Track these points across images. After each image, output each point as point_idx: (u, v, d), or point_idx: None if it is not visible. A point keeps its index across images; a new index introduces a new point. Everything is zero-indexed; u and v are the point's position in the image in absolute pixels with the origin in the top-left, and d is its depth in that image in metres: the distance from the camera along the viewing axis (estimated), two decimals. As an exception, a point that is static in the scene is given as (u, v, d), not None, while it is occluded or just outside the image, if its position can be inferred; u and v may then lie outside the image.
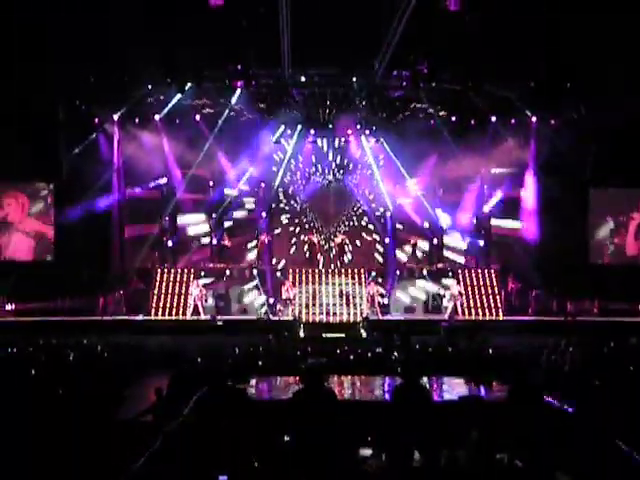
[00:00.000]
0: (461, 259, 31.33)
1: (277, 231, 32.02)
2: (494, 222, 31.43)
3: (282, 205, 32.31)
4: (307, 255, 30.95)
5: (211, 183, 31.38)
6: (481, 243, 31.42)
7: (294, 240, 31.85)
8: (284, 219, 32.25)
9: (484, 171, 31.16)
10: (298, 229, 32.05)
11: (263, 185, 31.71)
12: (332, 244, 31.46)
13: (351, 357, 17.98)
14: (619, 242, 30.57)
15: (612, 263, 29.92)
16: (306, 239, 31.23)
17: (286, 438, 7.76)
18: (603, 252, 30.46)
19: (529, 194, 30.03)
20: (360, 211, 32.34)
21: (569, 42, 21.80)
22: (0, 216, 29.53)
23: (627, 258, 30.44)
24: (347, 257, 31.12)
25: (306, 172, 32.20)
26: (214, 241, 31.03)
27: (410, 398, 8.33)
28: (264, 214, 31.47)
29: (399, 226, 31.86)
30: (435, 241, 31.55)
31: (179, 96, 26.81)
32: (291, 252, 31.70)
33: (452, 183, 31.58)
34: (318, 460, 7.24)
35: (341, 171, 32.14)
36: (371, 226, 32.31)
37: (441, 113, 29.43)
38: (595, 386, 9.19)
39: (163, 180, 30.57)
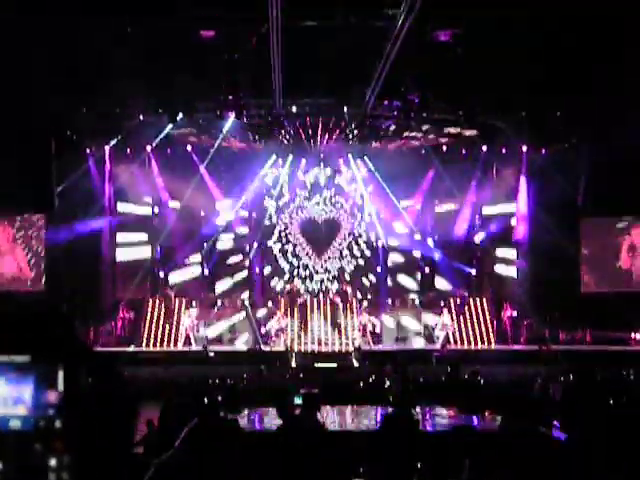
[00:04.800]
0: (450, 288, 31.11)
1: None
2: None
3: (274, 235, 32.22)
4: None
5: (202, 213, 31.39)
6: (473, 272, 31.41)
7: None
8: (276, 250, 32.20)
9: (475, 200, 31.19)
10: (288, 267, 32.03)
11: (255, 216, 31.75)
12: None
13: (343, 387, 17.97)
14: (611, 263, 30.42)
15: (604, 289, 29.67)
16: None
17: (276, 469, 7.72)
18: (595, 277, 30.29)
19: (520, 223, 30.06)
20: (352, 240, 32.29)
21: (560, 72, 21.90)
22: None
23: (622, 272, 30.32)
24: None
25: (297, 202, 32.20)
26: (205, 271, 31.00)
27: (398, 427, 8.33)
28: (255, 245, 31.51)
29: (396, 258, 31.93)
30: (427, 270, 31.53)
31: (170, 126, 26.85)
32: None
33: (443, 212, 31.64)
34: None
35: (333, 200, 32.20)
36: (362, 256, 32.22)
37: (432, 143, 29.57)
38: (586, 415, 9.16)
39: (155, 210, 30.59)
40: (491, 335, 28.73)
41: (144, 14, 19.71)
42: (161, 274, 30.64)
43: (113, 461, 3.67)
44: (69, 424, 3.26)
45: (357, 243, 32.26)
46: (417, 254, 31.71)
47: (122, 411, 3.82)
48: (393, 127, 28.11)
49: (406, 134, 28.80)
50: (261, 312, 29.29)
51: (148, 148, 28.95)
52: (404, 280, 31.66)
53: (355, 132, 28.48)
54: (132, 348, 26.82)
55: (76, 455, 3.26)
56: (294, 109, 26.36)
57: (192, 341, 27.24)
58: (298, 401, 8.37)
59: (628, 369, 18.73)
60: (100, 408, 3.62)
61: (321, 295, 30.75)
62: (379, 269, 31.89)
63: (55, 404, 3.25)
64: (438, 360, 24.49)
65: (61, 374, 3.27)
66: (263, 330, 28.23)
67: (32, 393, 3.27)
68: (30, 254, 29.26)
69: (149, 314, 28.70)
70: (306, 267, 31.82)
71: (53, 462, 3.21)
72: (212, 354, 25.59)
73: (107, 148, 28.60)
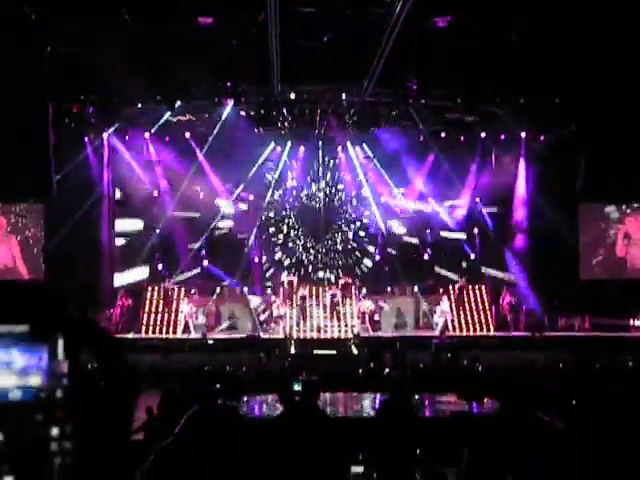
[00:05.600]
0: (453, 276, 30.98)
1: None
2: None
3: (272, 223, 32.20)
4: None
5: (201, 200, 31.20)
6: (472, 257, 31.32)
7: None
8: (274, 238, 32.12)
9: (474, 186, 31.09)
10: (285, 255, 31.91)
11: (253, 202, 31.63)
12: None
13: (342, 374, 17.97)
14: (608, 250, 30.37)
15: (602, 275, 29.69)
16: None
17: (276, 456, 7.73)
18: (594, 264, 30.24)
19: (519, 208, 30.05)
20: (351, 227, 32.22)
21: (557, 58, 21.87)
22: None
23: (617, 259, 30.30)
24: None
25: (296, 189, 32.18)
26: (205, 262, 30.80)
27: (396, 414, 8.33)
28: (254, 233, 31.38)
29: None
30: (426, 257, 31.39)
31: (169, 113, 26.82)
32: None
33: (442, 197, 31.52)
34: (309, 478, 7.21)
35: (331, 187, 32.12)
36: (361, 242, 32.15)
37: (430, 129, 29.49)
38: (584, 402, 9.18)
39: (154, 196, 30.44)
40: (490, 321, 28.72)
41: (143, 1, 19.69)
42: (159, 266, 30.49)
43: (117, 437, 3.67)
44: (71, 393, 3.25)
45: (356, 230, 32.19)
46: (416, 240, 31.54)
47: (128, 390, 3.81)
48: (391, 113, 28.09)
49: (404, 120, 28.73)
50: (260, 299, 29.23)
51: (147, 135, 28.91)
52: (403, 267, 31.49)
53: (354, 119, 28.45)
54: (131, 335, 26.84)
55: (79, 424, 3.25)
56: (292, 96, 26.31)
57: (191, 328, 27.26)
58: (297, 388, 8.37)
59: (627, 356, 18.76)
60: (106, 384, 3.62)
61: (321, 283, 30.66)
62: (378, 256, 31.80)
63: (66, 373, 3.24)
64: (437, 347, 24.46)
65: (61, 343, 3.27)
66: (262, 317, 28.22)
67: (45, 363, 3.27)
68: (25, 244, 29.10)
69: (148, 301, 28.74)
70: (305, 255, 31.73)
71: (55, 431, 3.20)
72: (211, 341, 25.62)
73: (106, 135, 28.53)
